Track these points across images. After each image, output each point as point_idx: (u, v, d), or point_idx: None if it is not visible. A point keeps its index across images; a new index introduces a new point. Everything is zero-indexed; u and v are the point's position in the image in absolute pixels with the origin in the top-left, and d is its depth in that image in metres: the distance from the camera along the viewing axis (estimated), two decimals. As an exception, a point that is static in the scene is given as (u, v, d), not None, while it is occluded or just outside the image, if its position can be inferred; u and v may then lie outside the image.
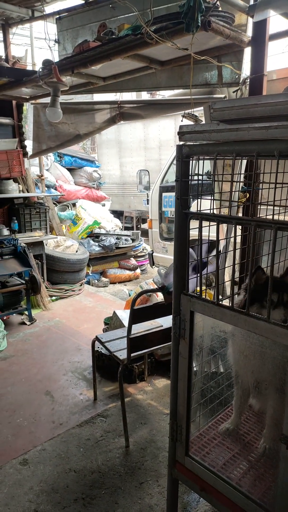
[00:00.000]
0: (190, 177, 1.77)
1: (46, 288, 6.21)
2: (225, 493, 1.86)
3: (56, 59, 4.69)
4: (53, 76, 3.99)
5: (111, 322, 4.42)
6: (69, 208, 8.96)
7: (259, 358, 2.00)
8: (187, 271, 1.89)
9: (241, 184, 3.41)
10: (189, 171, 1.74)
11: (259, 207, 3.16)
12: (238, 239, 3.15)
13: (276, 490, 1.66)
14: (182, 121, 3.48)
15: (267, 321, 1.58)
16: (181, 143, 1.67)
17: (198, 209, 1.72)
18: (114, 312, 4.39)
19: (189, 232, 1.82)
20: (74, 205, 8.90)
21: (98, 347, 3.98)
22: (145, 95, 12.85)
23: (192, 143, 1.66)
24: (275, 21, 3.54)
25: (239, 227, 3.12)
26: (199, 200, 1.79)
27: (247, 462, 2.09)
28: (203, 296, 1.88)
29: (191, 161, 1.75)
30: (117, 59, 3.68)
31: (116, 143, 12.01)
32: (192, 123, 3.80)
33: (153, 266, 7.32)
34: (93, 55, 3.72)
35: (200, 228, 1.77)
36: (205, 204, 1.84)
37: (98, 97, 8.64)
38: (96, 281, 7.47)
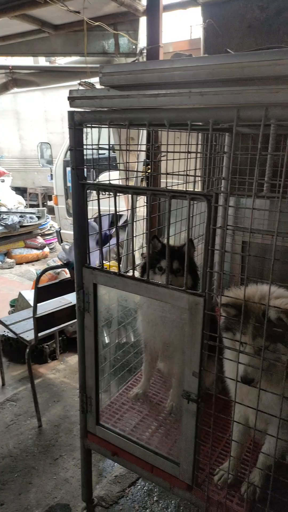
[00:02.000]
0: (90, 146, 1.72)
1: None
2: (136, 453, 1.95)
3: None
4: None
5: (17, 304, 4.22)
6: None
7: (163, 323, 2.09)
8: (87, 243, 1.86)
9: (144, 157, 3.45)
10: (83, 140, 1.68)
11: (160, 179, 3.25)
12: (145, 212, 3.20)
13: (181, 442, 1.79)
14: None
15: (166, 286, 1.65)
16: (73, 109, 1.60)
17: (95, 179, 1.69)
18: (20, 293, 4.20)
19: (87, 203, 1.78)
20: None
21: (4, 331, 3.78)
22: (43, 63, 12.06)
23: (83, 110, 1.59)
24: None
25: (145, 199, 3.17)
26: (108, 173, 1.75)
27: (156, 422, 2.21)
28: (113, 269, 1.87)
29: (91, 131, 1.69)
30: (4, 19, 3.35)
31: (14, 113, 11.15)
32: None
33: (61, 244, 7.13)
34: (-25, 11, 3.32)
35: (98, 199, 1.74)
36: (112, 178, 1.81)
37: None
38: (0, 262, 7.03)
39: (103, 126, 1.64)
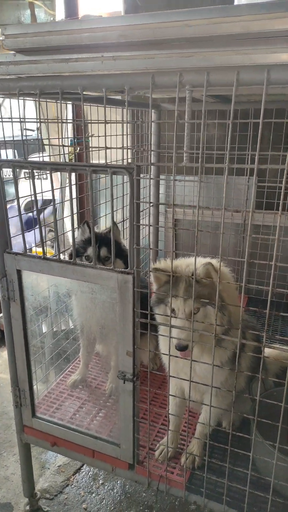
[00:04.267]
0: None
1: None
2: (76, 440, 1.90)
3: None
4: None
5: None
6: None
7: (97, 304, 2.04)
8: (7, 227, 1.72)
9: (70, 136, 3.30)
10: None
11: (91, 157, 3.14)
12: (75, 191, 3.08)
13: (120, 423, 1.77)
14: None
15: (94, 267, 1.58)
16: (-24, 77, 1.43)
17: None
18: None
19: (3, 184, 1.64)
20: None
21: None
22: None
23: (-11, 78, 1.44)
24: None
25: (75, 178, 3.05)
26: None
27: (96, 406, 2.17)
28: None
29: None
30: None
31: None
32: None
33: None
34: None
35: (15, 178, 1.60)
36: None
37: None
38: None
39: (12, 96, 1.50)
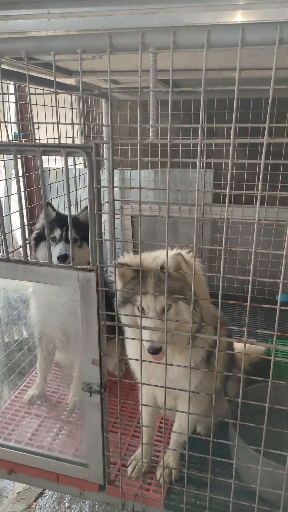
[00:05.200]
0: None
1: None
2: (36, 465, 1.67)
3: None
4: None
5: None
6: None
7: (56, 309, 1.83)
8: None
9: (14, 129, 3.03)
10: None
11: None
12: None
13: (87, 440, 1.57)
14: None
15: (50, 265, 1.37)
16: None
17: None
18: None
19: None
20: None
21: None
22: None
23: None
24: None
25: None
26: None
27: (58, 423, 1.95)
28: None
29: None
30: None
31: None
32: None
33: None
34: None
35: None
36: None
37: None
38: None
39: None
